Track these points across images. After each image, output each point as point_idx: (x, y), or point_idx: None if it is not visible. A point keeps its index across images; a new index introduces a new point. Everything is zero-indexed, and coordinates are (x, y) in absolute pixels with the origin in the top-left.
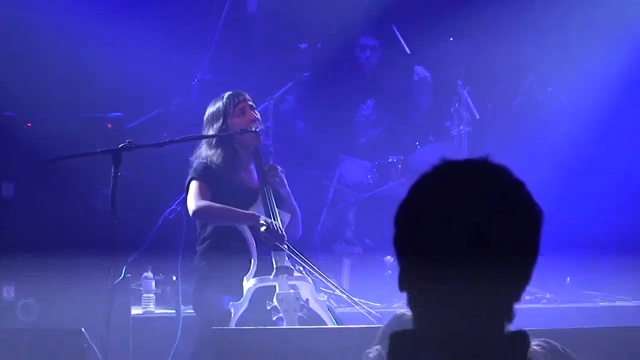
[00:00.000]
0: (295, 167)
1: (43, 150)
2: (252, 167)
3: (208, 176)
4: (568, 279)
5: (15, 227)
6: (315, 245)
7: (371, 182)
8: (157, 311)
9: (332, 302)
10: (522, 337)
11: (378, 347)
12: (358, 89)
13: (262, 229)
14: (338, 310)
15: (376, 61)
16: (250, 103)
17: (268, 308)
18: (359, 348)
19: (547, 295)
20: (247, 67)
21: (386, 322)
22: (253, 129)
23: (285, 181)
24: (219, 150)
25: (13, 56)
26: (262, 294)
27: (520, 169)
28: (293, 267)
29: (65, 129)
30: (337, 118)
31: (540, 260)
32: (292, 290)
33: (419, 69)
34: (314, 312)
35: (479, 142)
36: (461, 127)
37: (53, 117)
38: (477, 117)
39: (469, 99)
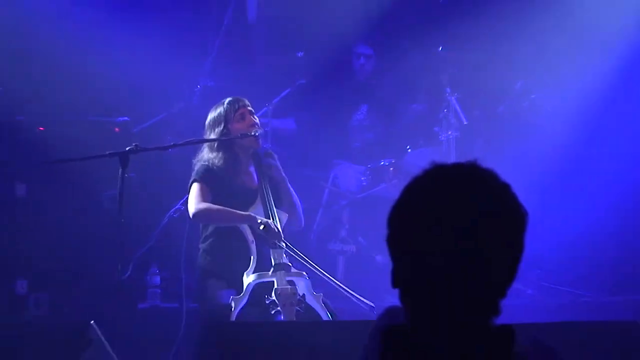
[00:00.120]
0: (292, 170)
1: (54, 153)
2: (252, 169)
3: (209, 178)
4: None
5: (28, 225)
6: (312, 244)
7: (364, 184)
8: (162, 305)
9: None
10: (508, 331)
11: None
12: (352, 96)
13: (261, 227)
14: (332, 305)
15: (370, 69)
16: (250, 108)
17: (267, 302)
18: (352, 340)
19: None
20: (247, 74)
21: (378, 316)
22: (252, 133)
23: (280, 167)
24: (220, 154)
25: (26, 64)
26: (261, 289)
27: (505, 172)
28: (291, 264)
29: (74, 132)
30: (332, 123)
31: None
32: (289, 286)
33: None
34: (310, 307)
35: (466, 146)
36: (449, 132)
37: (63, 121)
38: (465, 122)
39: (457, 106)
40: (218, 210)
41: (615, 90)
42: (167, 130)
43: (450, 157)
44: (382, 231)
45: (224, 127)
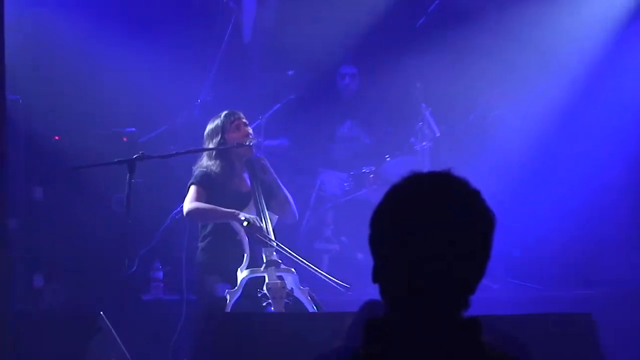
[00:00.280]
0: (283, 177)
1: (68, 160)
2: (246, 175)
3: (206, 182)
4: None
5: (45, 224)
6: (300, 243)
7: (347, 189)
8: (164, 297)
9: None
10: (475, 323)
11: None
12: (337, 111)
13: (245, 224)
14: (318, 298)
15: (354, 87)
16: (244, 120)
17: (258, 295)
18: (335, 330)
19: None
20: (242, 89)
21: (359, 308)
22: (247, 143)
23: (271, 169)
24: (217, 161)
25: (44, 79)
26: (254, 284)
27: (475, 180)
28: (280, 261)
29: (87, 141)
30: (319, 135)
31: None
32: (279, 281)
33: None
34: (298, 300)
35: (439, 155)
36: (424, 143)
37: (77, 131)
38: (437, 134)
39: (430, 119)
40: (206, 208)
41: (571, 106)
42: (170, 140)
43: (425, 165)
44: (363, 231)
45: (221, 137)
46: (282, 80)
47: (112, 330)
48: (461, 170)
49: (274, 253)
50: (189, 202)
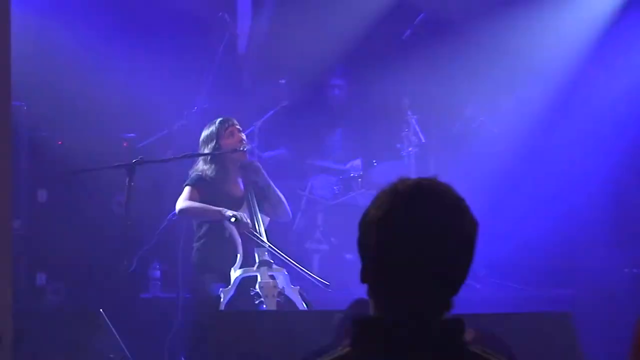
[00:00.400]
0: (274, 180)
1: (71, 164)
2: (240, 179)
3: (200, 184)
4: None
5: (48, 226)
6: (291, 244)
7: (336, 192)
8: (162, 295)
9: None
10: (459, 322)
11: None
12: (327, 119)
13: (232, 219)
14: (308, 297)
15: (343, 97)
16: (238, 127)
17: (251, 294)
18: (324, 327)
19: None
20: (237, 97)
21: (348, 306)
22: (241, 149)
23: (264, 172)
24: (212, 165)
25: (47, 87)
26: (247, 283)
27: (459, 184)
28: (272, 261)
29: (88, 146)
30: (309, 141)
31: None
32: (271, 280)
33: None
34: (289, 298)
35: (424, 161)
36: (410, 149)
37: (79, 136)
38: (423, 140)
39: (416, 126)
40: (196, 205)
41: (553, 112)
42: (168, 145)
43: (411, 169)
44: (352, 233)
45: (216, 142)
46: (274, 88)
47: (111, 326)
48: (445, 176)
49: (266, 253)
50: (182, 201)
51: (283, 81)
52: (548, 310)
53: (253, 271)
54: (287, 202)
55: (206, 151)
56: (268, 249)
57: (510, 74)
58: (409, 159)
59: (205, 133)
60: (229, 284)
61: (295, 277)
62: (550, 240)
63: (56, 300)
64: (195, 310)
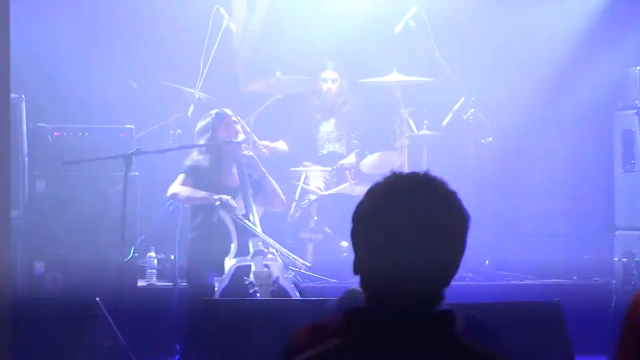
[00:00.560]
0: (270, 171)
1: (69, 154)
2: (235, 170)
3: (193, 173)
4: (487, 261)
5: (46, 215)
6: (286, 233)
7: (329, 183)
8: (158, 284)
9: (298, 278)
10: (450, 313)
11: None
12: (321, 111)
13: (217, 203)
14: (301, 286)
15: (337, 90)
16: (234, 119)
17: (246, 283)
18: (317, 315)
19: (470, 275)
20: (232, 89)
21: (339, 295)
22: (235, 140)
23: (260, 164)
24: (207, 156)
25: (46, 79)
26: (241, 272)
27: (451, 177)
28: (266, 250)
29: (86, 137)
30: (304, 133)
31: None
32: (265, 269)
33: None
34: (282, 287)
35: (416, 152)
36: (402, 140)
37: (77, 128)
38: (415, 132)
39: (408, 118)
40: (186, 190)
41: (540, 107)
42: (164, 136)
43: (403, 161)
44: (344, 223)
45: (211, 134)
46: (269, 81)
47: (107, 315)
48: (436, 168)
49: (260, 243)
50: (174, 186)
51: (278, 74)
52: (537, 300)
53: (247, 260)
54: (283, 191)
55: (201, 142)
56: (262, 239)
57: (502, 66)
58: (401, 150)
59: (201, 124)
60: (224, 273)
61: (288, 268)
62: (542, 231)
63: (54, 290)
64: (190, 299)
